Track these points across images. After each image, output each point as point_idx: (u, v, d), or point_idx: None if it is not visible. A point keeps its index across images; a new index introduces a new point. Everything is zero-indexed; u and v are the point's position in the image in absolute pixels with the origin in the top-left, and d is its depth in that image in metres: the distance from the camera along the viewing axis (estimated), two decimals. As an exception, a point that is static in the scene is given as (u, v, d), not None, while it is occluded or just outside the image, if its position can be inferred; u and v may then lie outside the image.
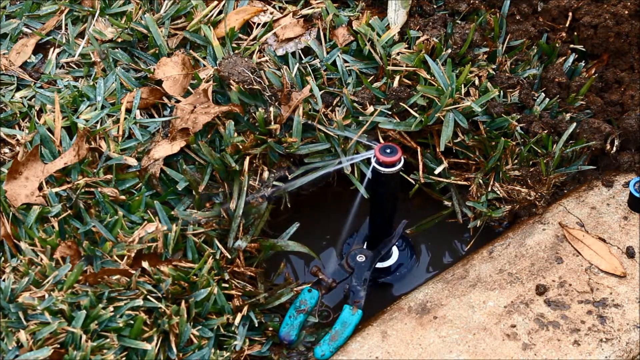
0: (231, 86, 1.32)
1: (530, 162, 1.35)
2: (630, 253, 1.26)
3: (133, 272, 1.13)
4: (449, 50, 1.39)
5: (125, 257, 1.16)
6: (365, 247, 1.32)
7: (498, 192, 1.35)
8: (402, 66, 1.37)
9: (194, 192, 1.26)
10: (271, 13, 1.46)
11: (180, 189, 1.26)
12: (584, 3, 1.47)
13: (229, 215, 1.26)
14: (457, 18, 1.46)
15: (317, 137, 1.33)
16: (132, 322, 1.09)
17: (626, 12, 1.44)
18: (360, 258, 1.29)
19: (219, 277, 1.20)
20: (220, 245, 1.23)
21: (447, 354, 1.14)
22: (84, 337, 1.05)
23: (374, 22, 1.42)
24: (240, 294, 1.21)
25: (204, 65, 1.39)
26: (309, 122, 1.32)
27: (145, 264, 1.14)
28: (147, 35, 1.41)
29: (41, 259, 1.13)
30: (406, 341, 1.17)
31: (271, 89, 1.34)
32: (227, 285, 1.20)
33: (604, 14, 1.44)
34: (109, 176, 1.25)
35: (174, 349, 1.10)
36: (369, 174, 1.25)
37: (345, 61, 1.39)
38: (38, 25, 1.44)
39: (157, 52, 1.40)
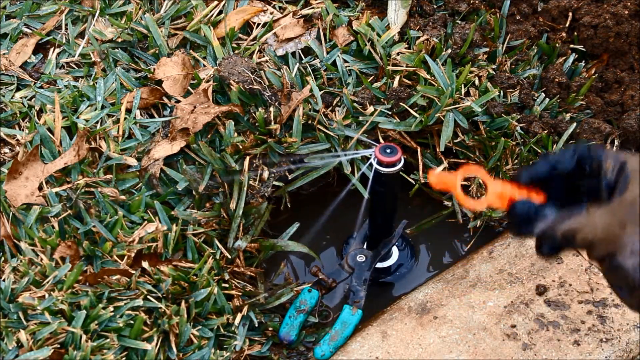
0: (231, 86, 1.32)
1: (531, 162, 1.35)
2: None
3: (133, 272, 1.13)
4: (449, 50, 1.39)
5: (125, 257, 1.16)
6: (365, 247, 1.32)
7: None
8: (402, 66, 1.37)
9: (194, 192, 1.26)
10: (271, 13, 1.46)
11: (180, 189, 1.26)
12: (584, 3, 1.47)
13: (229, 215, 1.26)
14: (457, 18, 1.46)
15: (317, 137, 1.33)
16: (132, 322, 1.09)
17: (626, 12, 1.44)
18: (360, 258, 1.29)
19: (219, 277, 1.20)
20: (220, 245, 1.23)
21: (447, 354, 1.14)
22: (84, 337, 1.05)
23: (374, 22, 1.42)
24: (240, 294, 1.21)
25: (204, 65, 1.39)
26: (309, 122, 1.32)
27: (145, 264, 1.14)
28: (147, 35, 1.41)
29: (41, 259, 1.13)
30: (406, 341, 1.17)
31: (271, 89, 1.34)
32: (227, 285, 1.20)
33: (604, 14, 1.44)
34: (109, 176, 1.25)
35: (174, 349, 1.10)
36: (363, 169, 1.25)
37: (345, 61, 1.39)
38: (38, 25, 1.44)
39: (157, 52, 1.40)
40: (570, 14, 1.48)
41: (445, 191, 1.20)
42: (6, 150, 1.27)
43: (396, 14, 1.44)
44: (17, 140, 1.27)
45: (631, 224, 0.79)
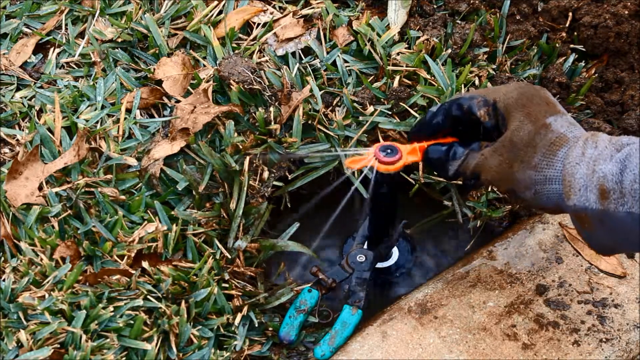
0: (231, 86, 1.32)
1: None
2: (630, 253, 1.26)
3: (133, 272, 1.13)
4: (449, 50, 1.39)
5: (125, 257, 1.16)
6: (365, 247, 1.32)
7: (498, 191, 1.35)
8: (402, 66, 1.37)
9: (194, 192, 1.26)
10: (271, 13, 1.46)
11: (180, 189, 1.26)
12: (584, 3, 1.47)
13: (229, 215, 1.26)
14: (457, 18, 1.46)
15: (317, 137, 1.33)
16: (132, 322, 1.09)
17: (626, 12, 1.44)
18: (360, 258, 1.29)
19: (219, 277, 1.20)
20: (220, 245, 1.23)
21: (447, 354, 1.14)
22: (84, 337, 1.05)
23: (374, 22, 1.42)
24: (240, 294, 1.21)
25: (204, 65, 1.39)
26: (309, 122, 1.32)
27: (145, 264, 1.15)
28: (147, 35, 1.41)
29: (41, 259, 1.13)
30: (406, 341, 1.17)
31: (271, 89, 1.34)
32: (227, 285, 1.20)
33: (604, 14, 1.44)
34: (109, 176, 1.25)
35: (174, 349, 1.10)
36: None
37: (345, 61, 1.39)
38: (38, 25, 1.44)
39: (157, 52, 1.40)
40: (570, 14, 1.48)
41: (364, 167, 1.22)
42: (6, 150, 1.27)
43: (396, 14, 1.44)
44: (17, 140, 1.27)
45: (516, 162, 0.87)
